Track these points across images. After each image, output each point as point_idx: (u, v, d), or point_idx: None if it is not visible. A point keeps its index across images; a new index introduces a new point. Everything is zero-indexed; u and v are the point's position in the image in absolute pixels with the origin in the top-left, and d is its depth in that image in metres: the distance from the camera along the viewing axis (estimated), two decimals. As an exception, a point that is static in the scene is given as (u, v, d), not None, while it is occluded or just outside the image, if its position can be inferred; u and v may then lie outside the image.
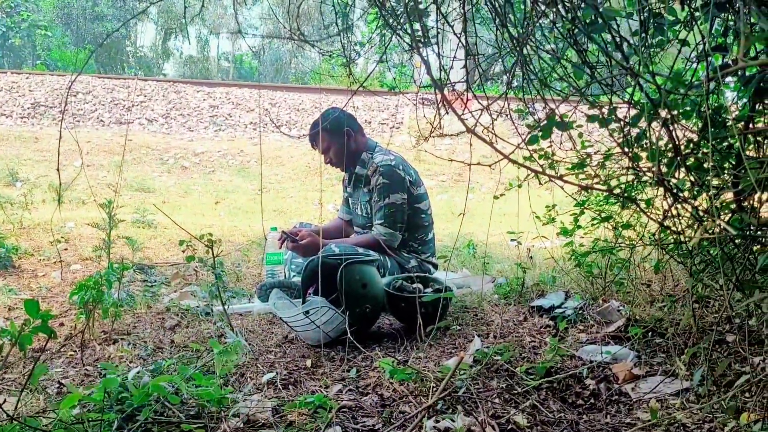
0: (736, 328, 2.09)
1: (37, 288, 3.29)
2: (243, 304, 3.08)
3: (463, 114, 1.80)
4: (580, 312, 2.76)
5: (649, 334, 2.43)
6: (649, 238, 2.18)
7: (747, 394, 1.62)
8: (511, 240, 3.18)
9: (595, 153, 2.33)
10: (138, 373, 1.70)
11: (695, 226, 1.33)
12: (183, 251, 2.59)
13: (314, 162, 8.63)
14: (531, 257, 3.70)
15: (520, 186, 2.53)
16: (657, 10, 1.75)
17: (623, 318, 2.61)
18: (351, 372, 2.25)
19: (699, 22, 1.66)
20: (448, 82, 2.17)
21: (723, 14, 1.65)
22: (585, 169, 2.26)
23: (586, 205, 2.64)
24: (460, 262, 3.93)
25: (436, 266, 3.36)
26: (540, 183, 2.49)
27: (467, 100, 2.27)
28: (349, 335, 2.31)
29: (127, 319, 2.81)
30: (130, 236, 3.16)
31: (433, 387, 2.09)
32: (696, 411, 1.62)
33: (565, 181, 1.45)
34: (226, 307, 2.63)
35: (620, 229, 2.77)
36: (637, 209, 2.50)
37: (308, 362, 2.35)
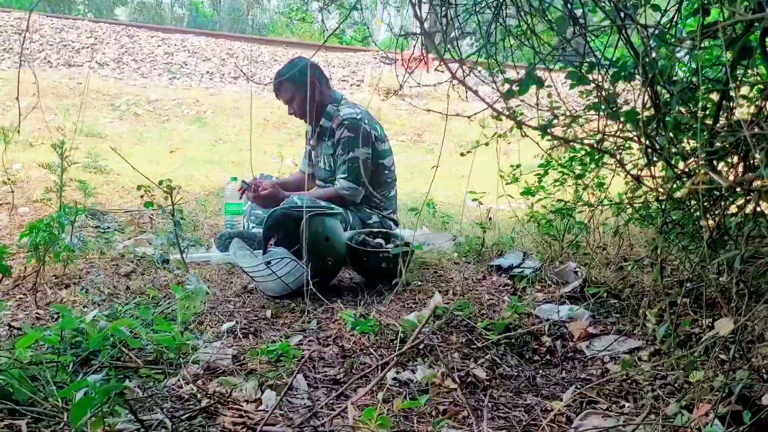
0: (688, 290, 2.16)
1: (-18, 230, 3.16)
2: (201, 253, 3.02)
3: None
4: (538, 272, 2.81)
5: (604, 294, 2.49)
6: (616, 198, 2.22)
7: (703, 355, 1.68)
8: (472, 200, 3.19)
9: (564, 114, 2.33)
10: (95, 316, 1.64)
11: (672, 184, 1.36)
12: (141, 197, 2.51)
13: (272, 115, 8.47)
14: (490, 218, 3.73)
15: (487, 144, 2.52)
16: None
17: (580, 279, 2.67)
18: (312, 323, 2.24)
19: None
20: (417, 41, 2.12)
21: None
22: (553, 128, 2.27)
23: (550, 165, 2.66)
24: (420, 221, 3.93)
25: (396, 223, 3.35)
26: (507, 140, 2.50)
27: (427, 60, 2.24)
28: (311, 286, 2.29)
29: (80, 265, 2.73)
30: (82, 180, 3.04)
31: (394, 340, 2.11)
32: (655, 367, 1.67)
33: (550, 134, 1.44)
34: (184, 255, 2.58)
35: (581, 191, 2.81)
36: (602, 170, 2.55)
37: (268, 313, 2.33)
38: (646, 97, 1.37)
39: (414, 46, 2.47)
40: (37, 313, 2.15)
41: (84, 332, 1.73)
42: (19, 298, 2.31)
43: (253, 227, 3.25)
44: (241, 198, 3.20)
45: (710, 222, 1.36)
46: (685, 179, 1.28)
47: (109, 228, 3.35)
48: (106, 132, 6.74)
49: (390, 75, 10.91)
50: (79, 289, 2.40)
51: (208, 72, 10.55)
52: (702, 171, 0.81)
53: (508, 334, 2.15)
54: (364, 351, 2.02)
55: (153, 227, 3.39)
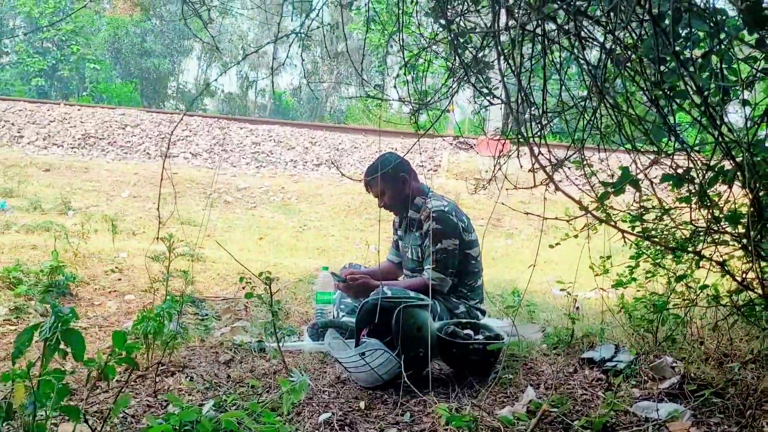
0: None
1: (93, 317, 3.39)
2: (293, 342, 3.12)
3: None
4: (633, 366, 2.74)
5: (705, 392, 2.40)
6: (713, 298, 2.18)
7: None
8: (561, 290, 3.18)
9: (653, 208, 2.34)
10: (209, 408, 1.74)
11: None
12: (243, 287, 2.65)
13: (354, 201, 8.74)
14: (578, 308, 3.68)
15: (576, 236, 2.55)
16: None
17: (678, 375, 2.58)
18: (405, 416, 2.26)
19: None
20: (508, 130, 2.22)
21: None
22: (642, 223, 2.28)
23: (642, 257, 2.65)
24: (511, 310, 3.92)
25: (484, 312, 3.37)
26: (594, 231, 2.51)
27: (503, 145, 2.32)
28: (405, 378, 2.33)
29: (182, 352, 2.87)
30: (184, 269, 3.24)
31: (488, 435, 2.10)
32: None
33: (642, 237, 1.47)
34: (281, 344, 2.68)
35: (674, 282, 2.76)
36: (693, 263, 2.51)
37: (362, 404, 2.37)
38: (746, 198, 1.39)
39: (495, 132, 2.57)
40: (147, 400, 2.27)
41: (194, 422, 1.83)
42: (130, 385, 2.45)
43: (343, 315, 3.34)
44: (334, 288, 3.32)
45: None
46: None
47: (207, 315, 3.52)
48: (199, 220, 7.13)
49: (468, 161, 11.12)
50: (184, 377, 2.52)
51: (292, 160, 11.07)
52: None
53: (606, 433, 2.10)
54: (460, 447, 2.02)
55: (248, 315, 3.54)
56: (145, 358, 2.60)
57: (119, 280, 3.87)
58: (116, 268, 4.14)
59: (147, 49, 29.79)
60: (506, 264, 6.45)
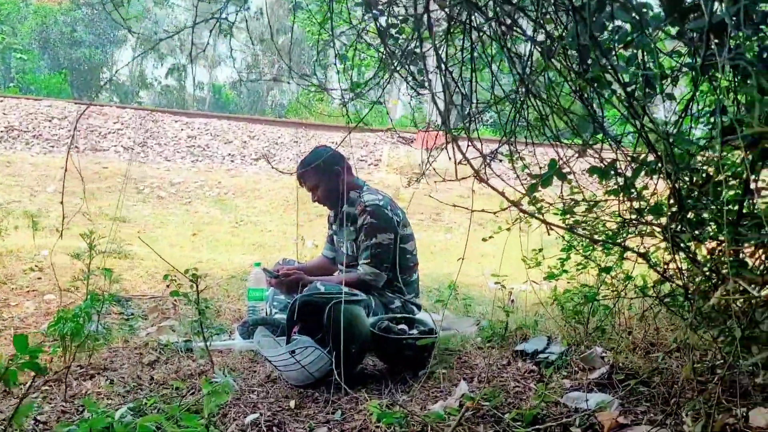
0: (718, 379, 2.11)
1: (9, 318, 3.20)
2: (223, 341, 3.02)
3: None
4: (564, 357, 2.77)
5: (631, 381, 2.44)
6: (640, 289, 2.21)
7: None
8: (495, 283, 3.19)
9: (583, 200, 2.35)
10: (122, 413, 1.64)
11: (699, 283, 1.36)
12: (167, 286, 2.54)
13: (292, 196, 8.62)
14: (512, 300, 3.71)
15: (509, 229, 2.55)
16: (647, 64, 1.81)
17: (606, 365, 2.62)
18: (336, 414, 2.21)
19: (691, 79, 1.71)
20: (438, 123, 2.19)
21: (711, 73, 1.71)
22: (572, 216, 2.29)
23: (572, 250, 2.67)
24: (442, 304, 3.92)
25: (419, 307, 3.35)
26: (528, 224, 2.52)
27: (436, 137, 2.29)
28: (335, 376, 2.28)
29: (104, 354, 2.74)
30: (107, 267, 3.09)
31: (420, 431, 2.07)
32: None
33: (573, 231, 1.47)
34: (208, 343, 2.58)
35: (603, 274, 2.80)
36: (620, 255, 2.55)
37: (292, 403, 2.31)
38: (667, 190, 1.40)
39: (428, 125, 2.54)
40: (62, 405, 2.15)
41: (108, 428, 1.73)
42: (44, 389, 2.32)
43: (275, 312, 3.26)
44: (266, 284, 3.23)
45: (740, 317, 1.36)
46: (710, 274, 1.29)
47: (132, 314, 3.37)
48: (131, 216, 6.89)
49: (408, 155, 11.13)
50: (104, 380, 2.40)
51: (230, 154, 10.83)
52: (731, 278, 0.83)
53: (536, 427, 2.10)
54: (390, 444, 1.99)
55: (176, 313, 3.42)
56: (62, 361, 2.46)
57: (39, 279, 3.67)
58: (36, 266, 3.93)
59: (77, 38, 28.64)
60: (444, 258, 6.48)
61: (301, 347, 2.41)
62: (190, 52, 1.90)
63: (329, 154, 3.12)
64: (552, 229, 1.55)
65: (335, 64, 2.55)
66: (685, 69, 1.77)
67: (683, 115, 1.61)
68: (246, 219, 7.64)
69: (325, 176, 3.14)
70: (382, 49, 2.28)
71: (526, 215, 2.37)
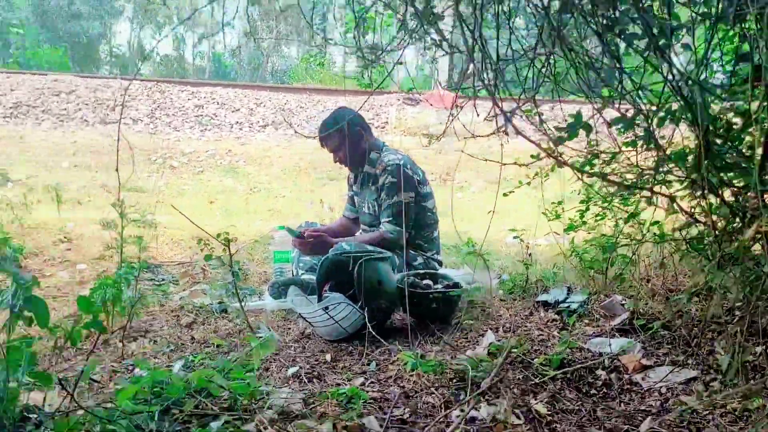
0: (739, 318, 2.20)
1: (46, 287, 3.31)
2: (254, 301, 3.13)
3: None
4: (585, 306, 2.86)
5: (655, 324, 2.53)
6: (659, 236, 2.28)
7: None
8: (514, 237, 3.27)
9: (603, 151, 2.41)
10: (180, 366, 1.75)
11: (727, 223, 1.43)
12: (201, 250, 2.63)
13: (303, 161, 8.67)
14: (530, 254, 3.79)
15: (529, 183, 2.61)
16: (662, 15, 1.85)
17: (627, 312, 2.72)
18: (371, 365, 2.31)
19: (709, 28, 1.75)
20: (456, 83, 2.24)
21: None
22: (592, 167, 2.36)
23: (591, 201, 2.74)
24: (461, 260, 4.01)
25: (440, 263, 3.44)
26: (545, 177, 2.58)
27: (455, 97, 2.34)
28: (369, 329, 2.38)
29: (142, 317, 2.85)
30: (139, 236, 3.18)
31: (453, 379, 2.17)
32: (714, 398, 1.72)
33: (589, 174, 1.53)
34: (243, 304, 2.68)
35: (621, 224, 2.87)
36: (639, 203, 2.62)
37: (328, 356, 2.42)
38: (692, 135, 1.46)
39: (435, 86, 2.58)
40: (112, 365, 2.26)
41: (163, 383, 1.83)
42: (92, 351, 2.43)
43: (302, 273, 3.36)
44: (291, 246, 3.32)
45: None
46: (737, 213, 1.35)
47: (164, 280, 3.48)
48: (147, 186, 6.97)
49: (414, 116, 11.12)
50: (148, 341, 2.51)
51: (237, 122, 10.85)
52: (765, 215, 0.89)
53: (564, 369, 2.20)
54: (426, 391, 2.09)
55: (206, 278, 3.52)
56: (106, 325, 2.57)
57: (69, 250, 3.78)
58: (65, 237, 4.03)
59: (75, 12, 28.40)
60: (457, 217, 6.54)
61: (334, 303, 2.50)
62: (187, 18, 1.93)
63: (352, 116, 3.18)
64: (580, 178, 1.61)
65: (354, 28, 2.59)
66: (700, 18, 1.81)
67: (704, 63, 1.65)
68: (259, 186, 7.71)
69: (349, 137, 3.20)
70: (400, 11, 2.32)
71: (546, 168, 2.44)
